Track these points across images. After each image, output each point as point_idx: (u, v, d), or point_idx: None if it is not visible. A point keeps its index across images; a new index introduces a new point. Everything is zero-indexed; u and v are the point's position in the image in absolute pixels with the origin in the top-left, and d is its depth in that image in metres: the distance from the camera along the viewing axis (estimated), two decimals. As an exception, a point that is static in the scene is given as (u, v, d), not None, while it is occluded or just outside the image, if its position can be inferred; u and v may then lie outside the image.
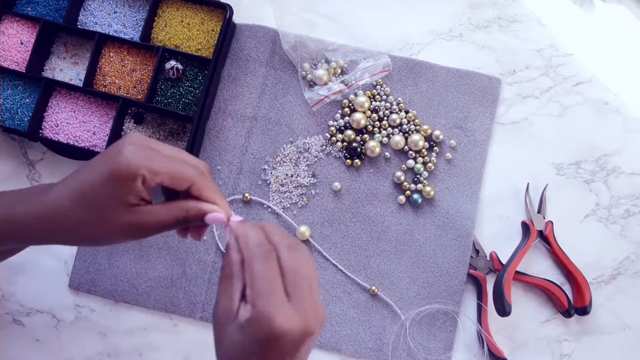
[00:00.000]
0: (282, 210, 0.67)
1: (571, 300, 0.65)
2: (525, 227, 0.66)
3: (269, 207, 0.67)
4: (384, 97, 0.68)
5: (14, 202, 0.49)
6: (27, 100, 0.67)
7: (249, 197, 0.67)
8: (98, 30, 0.67)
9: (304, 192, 0.67)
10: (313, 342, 0.44)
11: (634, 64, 0.70)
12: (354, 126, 0.67)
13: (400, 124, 0.68)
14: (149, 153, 0.46)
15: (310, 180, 0.67)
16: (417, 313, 0.64)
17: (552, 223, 0.66)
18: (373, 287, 0.65)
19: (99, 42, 0.67)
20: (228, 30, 0.66)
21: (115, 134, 0.66)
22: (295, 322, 0.41)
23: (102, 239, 0.48)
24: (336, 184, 0.67)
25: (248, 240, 0.44)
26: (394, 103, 0.68)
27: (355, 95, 0.68)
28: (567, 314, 0.64)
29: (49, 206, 0.47)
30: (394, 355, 0.64)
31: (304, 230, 0.65)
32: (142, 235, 0.47)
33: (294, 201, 0.67)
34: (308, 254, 0.46)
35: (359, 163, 0.67)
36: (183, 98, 0.66)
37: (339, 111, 0.68)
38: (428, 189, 0.66)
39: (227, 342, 0.43)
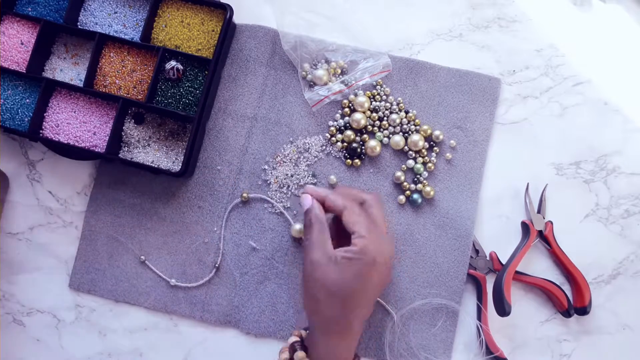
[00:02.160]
0: (282, 209, 0.67)
1: (571, 300, 0.65)
2: (525, 227, 0.66)
3: (268, 207, 0.67)
4: (384, 97, 0.68)
5: None
6: (28, 100, 0.67)
7: (247, 197, 0.67)
8: (98, 31, 0.67)
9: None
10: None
11: (633, 64, 0.70)
12: (354, 126, 0.67)
13: (400, 124, 0.68)
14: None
15: (310, 180, 0.67)
16: (409, 310, 0.64)
17: (551, 223, 0.66)
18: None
19: (100, 43, 0.67)
20: (228, 31, 0.66)
21: (116, 134, 0.66)
22: (392, 248, 0.58)
23: None
24: (332, 177, 0.67)
25: (339, 200, 0.57)
26: (394, 103, 0.68)
27: (355, 95, 0.68)
28: (566, 314, 0.64)
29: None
30: (394, 355, 0.64)
31: (298, 228, 0.65)
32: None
33: (294, 201, 0.67)
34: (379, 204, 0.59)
35: (359, 163, 0.67)
36: (183, 98, 0.66)
37: (339, 111, 0.68)
38: (428, 189, 0.66)
39: (332, 277, 0.53)
